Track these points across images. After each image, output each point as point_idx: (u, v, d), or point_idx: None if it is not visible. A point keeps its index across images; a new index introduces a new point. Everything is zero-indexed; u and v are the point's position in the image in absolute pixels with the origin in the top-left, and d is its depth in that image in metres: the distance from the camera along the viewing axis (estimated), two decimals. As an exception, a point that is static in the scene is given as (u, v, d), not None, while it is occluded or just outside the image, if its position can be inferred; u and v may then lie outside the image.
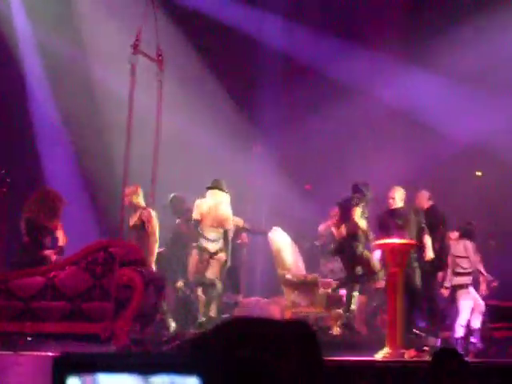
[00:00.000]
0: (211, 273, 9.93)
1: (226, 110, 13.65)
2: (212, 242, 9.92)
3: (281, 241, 10.68)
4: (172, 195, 10.64)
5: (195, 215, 10.00)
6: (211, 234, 9.94)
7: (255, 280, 12.44)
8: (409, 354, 8.24)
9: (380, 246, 8.92)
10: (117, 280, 7.51)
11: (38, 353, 7.53)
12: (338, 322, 9.99)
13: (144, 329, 8.07)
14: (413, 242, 9.12)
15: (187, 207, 10.44)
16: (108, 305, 7.49)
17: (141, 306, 7.60)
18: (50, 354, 7.10)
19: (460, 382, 4.66)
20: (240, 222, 10.67)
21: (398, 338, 8.21)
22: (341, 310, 10.07)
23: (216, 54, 13.88)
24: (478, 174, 13.24)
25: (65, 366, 0.64)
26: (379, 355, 8.10)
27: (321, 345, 0.92)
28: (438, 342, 9.57)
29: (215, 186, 10.05)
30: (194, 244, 10.03)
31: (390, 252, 8.58)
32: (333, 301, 10.28)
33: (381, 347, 8.25)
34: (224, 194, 10.02)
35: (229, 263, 10.10)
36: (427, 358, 8.25)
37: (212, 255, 9.91)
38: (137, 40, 8.66)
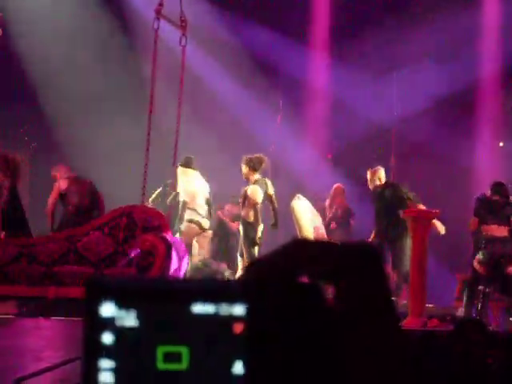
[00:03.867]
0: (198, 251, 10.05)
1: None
2: (204, 217, 9.89)
3: (302, 208, 10.61)
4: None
5: (185, 197, 9.79)
6: (202, 210, 9.91)
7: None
8: (431, 323, 8.20)
9: (406, 213, 8.75)
10: (139, 246, 7.50)
11: (61, 317, 7.55)
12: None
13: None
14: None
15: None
16: (130, 270, 7.49)
17: (163, 272, 7.59)
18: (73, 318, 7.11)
19: (482, 351, 4.61)
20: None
21: (420, 307, 8.17)
22: None
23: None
24: None
25: (99, 289, 0.59)
26: (401, 323, 8.06)
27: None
28: (462, 312, 9.48)
29: (189, 163, 9.88)
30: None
31: (413, 221, 8.46)
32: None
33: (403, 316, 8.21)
34: (195, 171, 9.92)
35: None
36: (449, 327, 8.21)
37: (205, 230, 9.98)
38: (160, 5, 8.57)
